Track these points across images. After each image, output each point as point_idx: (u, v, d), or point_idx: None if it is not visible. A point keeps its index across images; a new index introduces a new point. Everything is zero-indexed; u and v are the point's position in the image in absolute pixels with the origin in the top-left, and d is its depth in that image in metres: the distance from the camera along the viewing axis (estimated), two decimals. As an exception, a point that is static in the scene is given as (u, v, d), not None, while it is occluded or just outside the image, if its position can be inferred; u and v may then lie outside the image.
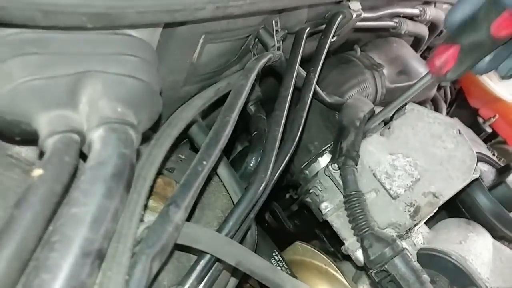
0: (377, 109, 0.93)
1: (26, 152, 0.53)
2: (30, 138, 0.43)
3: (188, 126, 0.64)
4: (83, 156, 0.43)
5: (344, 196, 0.70)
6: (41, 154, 0.40)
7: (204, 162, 0.51)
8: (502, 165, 1.06)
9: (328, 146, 0.86)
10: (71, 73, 0.41)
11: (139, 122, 0.47)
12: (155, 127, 0.62)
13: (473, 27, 0.60)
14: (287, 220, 1.09)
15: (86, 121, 0.42)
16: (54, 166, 0.38)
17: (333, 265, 0.87)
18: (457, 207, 0.95)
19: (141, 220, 0.46)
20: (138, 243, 0.44)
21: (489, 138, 1.76)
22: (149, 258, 0.42)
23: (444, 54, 0.64)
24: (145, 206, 0.59)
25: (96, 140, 0.41)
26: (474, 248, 0.79)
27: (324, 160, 0.86)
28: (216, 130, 0.55)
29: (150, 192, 0.61)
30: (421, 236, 0.82)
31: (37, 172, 0.37)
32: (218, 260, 0.54)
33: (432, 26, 1.38)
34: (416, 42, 1.37)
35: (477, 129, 1.58)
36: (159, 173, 0.65)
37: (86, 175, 0.39)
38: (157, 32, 0.53)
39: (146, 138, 0.59)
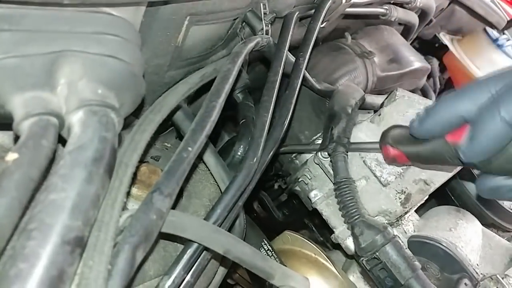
0: (368, 97, 0.93)
1: (2, 138, 0.51)
2: (4, 122, 0.40)
3: (173, 112, 0.62)
4: (63, 141, 0.41)
5: (334, 183, 0.69)
6: (17, 139, 0.38)
7: (189, 149, 0.49)
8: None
9: (318, 135, 0.85)
10: (47, 52, 0.39)
11: (121, 105, 0.45)
12: (138, 113, 0.60)
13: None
14: (275, 210, 1.08)
15: (65, 104, 0.40)
16: (30, 150, 0.36)
17: (323, 254, 0.86)
18: (447, 195, 0.95)
19: (125, 208, 0.44)
20: (121, 232, 0.42)
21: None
22: (132, 247, 0.40)
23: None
24: (129, 194, 0.57)
25: (76, 123, 0.39)
26: (464, 235, 0.78)
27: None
28: (202, 116, 0.53)
29: (134, 180, 0.60)
30: (411, 224, 0.81)
31: (12, 156, 0.35)
32: (206, 249, 0.53)
33: (422, 14, 1.37)
34: (406, 31, 1.36)
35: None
36: (142, 161, 0.63)
37: (65, 160, 0.37)
38: (139, 12, 0.51)
39: (129, 124, 0.57)
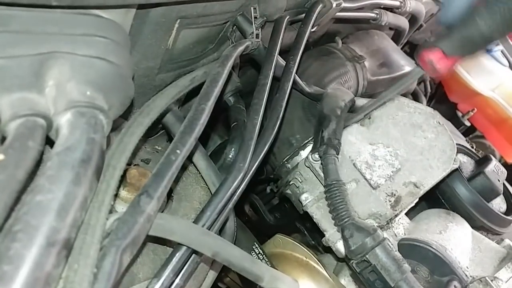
0: (359, 100, 0.93)
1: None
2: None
3: (163, 115, 0.62)
4: (51, 143, 0.41)
5: (324, 186, 0.69)
6: (3, 140, 0.38)
7: (178, 151, 0.49)
8: (481, 157, 1.07)
9: (310, 139, 0.85)
10: (35, 53, 0.39)
11: (110, 107, 0.45)
12: (127, 115, 0.60)
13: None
14: (267, 213, 1.07)
15: (53, 105, 0.40)
16: (16, 151, 0.35)
17: (314, 257, 0.86)
18: (437, 198, 0.95)
19: (113, 211, 0.44)
20: (108, 235, 0.41)
21: (468, 133, 1.78)
22: (119, 250, 0.39)
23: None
24: (117, 196, 0.57)
25: (64, 124, 0.39)
26: (454, 237, 0.79)
27: (306, 153, 0.85)
28: (191, 119, 0.53)
29: (124, 183, 0.60)
30: (402, 227, 0.82)
31: (-3, 157, 0.35)
32: (195, 252, 0.52)
33: (413, 19, 1.39)
34: (396, 35, 1.37)
35: (456, 123, 1.61)
36: (129, 163, 0.63)
37: (52, 161, 0.36)
38: (129, 15, 0.51)
39: (118, 126, 0.57)
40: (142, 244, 0.52)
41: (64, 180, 0.35)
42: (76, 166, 0.37)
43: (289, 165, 0.86)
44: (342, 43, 1.05)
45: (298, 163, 0.84)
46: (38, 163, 0.38)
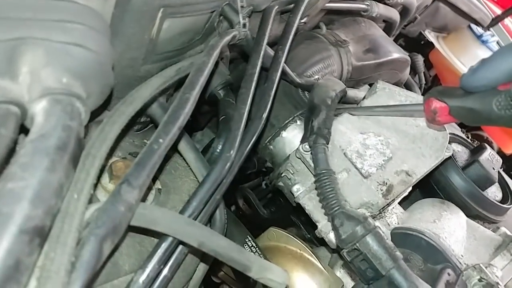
0: (350, 91, 0.92)
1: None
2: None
3: (148, 106, 0.61)
4: (27, 132, 0.40)
5: (314, 175, 0.69)
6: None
7: (161, 140, 0.48)
8: (475, 146, 1.06)
9: (291, 119, 0.85)
10: (8, 38, 0.38)
11: (89, 95, 0.44)
12: (109, 106, 0.59)
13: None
14: (261, 207, 1.07)
15: (27, 92, 0.39)
16: (-13, 139, 0.35)
17: (308, 250, 0.85)
18: (431, 187, 0.94)
19: (93, 202, 0.43)
20: (88, 225, 0.41)
21: (464, 125, 1.78)
22: (98, 239, 0.38)
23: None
24: (102, 189, 0.56)
25: (39, 112, 0.38)
26: (448, 226, 0.78)
27: (288, 133, 0.86)
28: (175, 108, 0.52)
29: (107, 175, 0.59)
30: (395, 217, 0.81)
31: (-32, 146, 0.34)
32: (182, 243, 0.52)
33: (404, 11, 1.38)
34: (388, 27, 1.36)
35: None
36: (112, 155, 0.61)
37: (26, 148, 0.36)
38: (109, 2, 0.50)
39: (99, 116, 0.56)
40: (126, 234, 0.52)
41: (38, 167, 0.35)
42: (51, 153, 0.36)
43: (271, 147, 0.86)
44: (327, 29, 1.04)
45: (289, 155, 0.83)
46: (12, 152, 0.37)
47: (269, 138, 0.88)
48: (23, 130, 0.40)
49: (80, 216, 0.39)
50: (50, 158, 0.36)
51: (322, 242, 0.97)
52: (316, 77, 0.91)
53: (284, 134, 0.87)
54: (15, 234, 0.31)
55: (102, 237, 0.39)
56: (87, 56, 0.43)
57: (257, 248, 0.83)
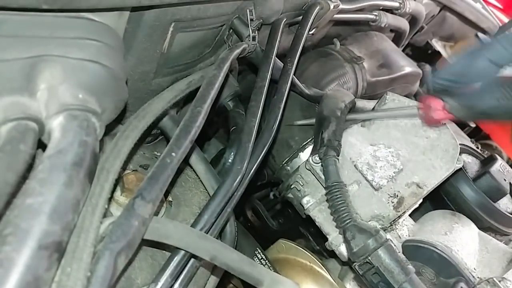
0: (359, 102, 0.92)
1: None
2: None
3: (159, 119, 0.62)
4: (45, 147, 0.40)
5: (325, 187, 0.68)
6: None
7: (173, 154, 0.49)
8: (486, 157, 1.05)
9: (309, 140, 0.85)
10: (26, 56, 0.39)
11: (104, 110, 0.45)
12: (122, 119, 0.59)
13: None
14: (270, 218, 1.06)
15: (45, 109, 0.40)
16: (7, 154, 0.35)
17: (318, 262, 0.85)
18: (442, 199, 0.93)
19: (106, 215, 0.43)
20: (103, 239, 0.41)
21: (474, 134, 1.76)
22: (113, 254, 0.39)
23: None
24: (113, 201, 0.57)
25: (56, 128, 0.39)
26: (460, 238, 0.77)
27: (306, 155, 0.84)
28: (187, 122, 0.53)
29: (119, 187, 0.59)
30: (406, 229, 0.80)
31: (-12, 162, 0.35)
32: (194, 256, 0.52)
33: (413, 20, 1.38)
34: (397, 37, 1.36)
35: (461, 124, 1.59)
36: (125, 168, 0.62)
37: (44, 164, 0.36)
38: (123, 18, 0.51)
39: (112, 130, 0.57)
40: (139, 248, 0.52)
41: (56, 183, 0.35)
42: (68, 168, 0.36)
43: (288, 168, 0.86)
44: (341, 44, 1.05)
45: (299, 166, 0.83)
46: (30, 167, 0.37)
47: (286, 160, 0.87)
48: (41, 145, 0.40)
49: (95, 231, 0.39)
50: (67, 174, 0.36)
51: (331, 254, 0.96)
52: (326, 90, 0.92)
53: (301, 155, 0.86)
54: (34, 249, 0.32)
55: (117, 252, 0.39)
56: (102, 72, 0.43)
57: (266, 261, 0.83)
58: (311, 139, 0.83)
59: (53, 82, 0.39)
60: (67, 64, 0.40)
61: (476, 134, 1.79)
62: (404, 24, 1.29)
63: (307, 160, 0.77)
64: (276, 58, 0.76)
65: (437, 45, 1.81)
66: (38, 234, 0.32)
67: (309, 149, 0.84)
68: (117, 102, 0.47)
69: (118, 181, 0.60)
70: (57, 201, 0.34)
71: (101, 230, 0.41)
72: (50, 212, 0.33)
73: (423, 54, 1.82)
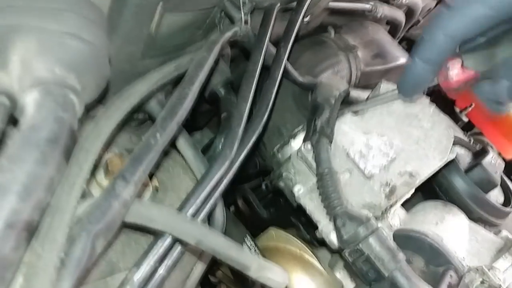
0: (353, 91, 0.91)
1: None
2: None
3: (145, 101, 0.60)
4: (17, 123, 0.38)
5: (316, 174, 0.67)
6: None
7: (158, 135, 0.47)
8: (478, 149, 1.05)
9: (300, 128, 0.83)
10: (-3, 26, 0.37)
11: (84, 88, 0.43)
12: (105, 101, 0.58)
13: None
14: (260, 207, 1.05)
15: (17, 82, 0.38)
16: (-25, 129, 0.33)
17: (308, 250, 0.84)
18: (434, 190, 0.92)
19: (84, 196, 0.41)
20: (81, 221, 0.39)
21: (466, 130, 1.76)
22: (90, 236, 0.37)
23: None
24: (90, 181, 0.55)
25: (30, 103, 0.37)
26: (451, 228, 0.76)
27: (297, 142, 0.83)
28: (173, 103, 0.51)
29: (96, 168, 0.57)
30: (397, 218, 0.79)
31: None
32: (179, 240, 0.50)
33: (409, 12, 1.37)
34: (393, 29, 1.35)
35: (454, 118, 1.58)
36: (105, 149, 0.60)
37: (14, 140, 0.34)
38: (106, -6, 0.49)
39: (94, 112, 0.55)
40: (121, 232, 0.51)
41: (27, 160, 0.33)
42: (41, 145, 0.34)
43: (279, 155, 0.84)
44: (335, 33, 1.03)
45: (290, 154, 0.82)
46: (0, 143, 0.36)
47: (277, 147, 0.85)
48: (14, 122, 0.38)
49: (71, 211, 0.37)
50: (40, 151, 0.34)
51: (322, 243, 0.95)
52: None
53: (293, 143, 0.84)
54: (0, 227, 0.30)
55: (94, 234, 0.38)
56: (82, 47, 0.41)
57: (256, 248, 0.82)
58: (303, 126, 0.82)
59: (27, 54, 0.37)
60: (43, 36, 0.38)
61: (468, 130, 1.79)
62: (400, 15, 1.28)
63: (299, 148, 0.75)
64: (269, 43, 0.74)
65: (433, 38, 1.79)
66: (5, 212, 0.30)
67: (300, 136, 0.83)
68: (99, 80, 0.45)
69: (102, 164, 0.59)
70: (28, 179, 0.32)
71: (79, 212, 0.40)
72: (19, 189, 0.31)
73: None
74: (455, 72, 0.61)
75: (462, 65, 0.60)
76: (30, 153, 0.34)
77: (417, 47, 0.60)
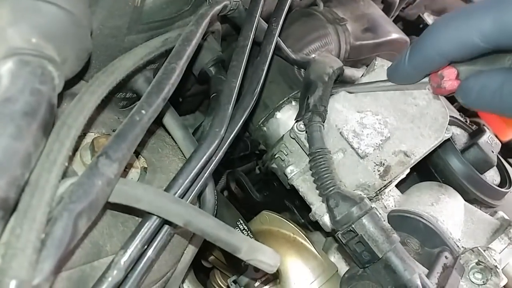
0: (348, 70, 0.89)
1: None
2: None
3: (131, 77, 0.57)
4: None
5: (309, 154, 0.65)
6: None
7: (143, 111, 0.45)
8: (475, 129, 1.04)
9: (285, 99, 0.81)
10: (-33, -7, 0.34)
11: (64, 60, 0.40)
12: (88, 76, 0.55)
13: None
14: (253, 190, 1.03)
15: (-10, 53, 0.35)
16: None
17: (302, 233, 0.82)
18: (429, 170, 0.91)
19: (67, 175, 0.39)
20: (62, 200, 0.37)
21: (461, 111, 1.75)
22: (72, 215, 0.35)
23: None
24: (72, 160, 0.53)
25: (4, 74, 0.34)
26: (446, 209, 0.75)
27: (282, 114, 0.82)
28: (160, 78, 0.49)
29: (92, 152, 0.55)
30: (392, 199, 0.78)
31: None
32: (168, 222, 0.48)
33: (403, -9, 1.34)
34: (386, 8, 1.32)
35: (449, 99, 1.57)
36: (89, 125, 0.57)
37: (-13, 113, 0.32)
38: (87, -38, 0.46)
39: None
40: (107, 213, 0.49)
41: (1, 134, 0.31)
42: (16, 118, 0.32)
43: (264, 128, 0.83)
44: (325, 6, 1.00)
45: (283, 135, 0.80)
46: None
47: (262, 120, 0.84)
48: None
49: (52, 189, 0.35)
50: (15, 124, 0.32)
51: (316, 226, 0.94)
52: (313, 55, 0.87)
53: (278, 115, 0.83)
54: (-28, 205, 0.28)
55: (77, 213, 0.36)
56: (60, 16, 0.39)
57: (248, 232, 0.81)
58: (288, 98, 0.80)
59: (1, 23, 0.35)
60: (17, 3, 0.36)
61: (465, 112, 1.78)
62: (394, -6, 1.25)
63: (292, 128, 0.74)
64: (261, 19, 0.72)
65: (429, 19, 1.77)
66: (-22, 189, 0.28)
67: (286, 108, 0.81)
68: (79, 52, 0.43)
69: (88, 144, 0.56)
70: (2, 154, 0.30)
71: (61, 191, 0.38)
72: (-8, 164, 0.29)
73: (415, 28, 1.78)
74: (449, 83, 0.60)
75: (457, 77, 0.59)
76: (4, 127, 0.31)
77: (410, 49, 0.61)
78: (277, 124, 0.84)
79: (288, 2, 0.73)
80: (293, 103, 0.83)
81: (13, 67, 0.34)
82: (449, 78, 0.59)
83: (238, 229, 0.81)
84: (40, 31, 0.37)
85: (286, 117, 0.83)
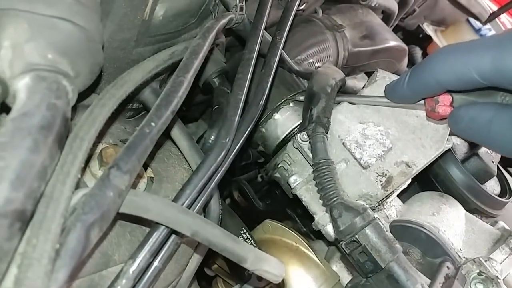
0: (350, 81, 0.90)
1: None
2: None
3: (139, 90, 0.59)
4: (9, 111, 0.37)
5: (312, 165, 0.66)
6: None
7: (153, 124, 0.46)
8: (474, 139, 1.05)
9: (283, 101, 0.83)
10: (-13, 10, 0.35)
11: (77, 74, 0.42)
12: (99, 89, 0.56)
13: None
14: (256, 199, 1.04)
15: (9, 68, 0.36)
16: (-34, 116, 0.32)
17: (304, 242, 0.83)
18: (430, 180, 0.92)
19: (79, 186, 0.40)
20: (75, 211, 0.38)
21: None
22: (85, 226, 0.36)
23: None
24: (84, 171, 0.54)
25: (21, 89, 0.36)
26: (447, 219, 0.76)
27: (280, 115, 0.84)
28: (168, 91, 0.50)
29: (90, 158, 0.56)
30: (394, 209, 0.79)
31: None
32: (175, 232, 0.49)
33: (403, 1, 1.36)
34: (385, 18, 1.34)
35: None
36: (100, 138, 0.59)
37: (6, 127, 0.33)
38: (99, -21, 0.47)
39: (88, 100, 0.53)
40: (116, 223, 0.50)
41: (20, 147, 0.32)
42: (34, 132, 0.33)
43: (263, 129, 0.84)
44: (324, 13, 1.02)
45: (286, 145, 0.81)
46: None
47: (261, 121, 0.85)
48: (5, 109, 0.37)
49: (66, 201, 0.36)
50: (32, 138, 0.33)
51: (318, 235, 0.95)
52: (311, 60, 0.89)
53: (276, 116, 0.85)
54: (-8, 217, 0.29)
55: (89, 224, 0.37)
56: (75, 32, 0.40)
57: (252, 241, 0.81)
58: (285, 100, 0.82)
59: (18, 40, 0.36)
60: (35, 20, 0.37)
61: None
62: (393, 4, 1.27)
63: (295, 138, 0.75)
64: (265, 31, 0.73)
65: (428, 29, 1.80)
66: (-3, 201, 0.29)
67: (284, 109, 0.83)
68: (92, 66, 0.44)
69: (96, 154, 0.57)
70: (21, 167, 0.31)
71: (74, 202, 0.39)
72: (12, 178, 0.30)
73: (414, 38, 1.80)
74: (443, 108, 0.62)
75: (451, 104, 0.61)
76: (22, 141, 0.32)
77: (410, 73, 0.63)
78: (275, 125, 0.85)
79: (292, 15, 0.75)
80: (291, 104, 0.85)
81: (30, 83, 0.36)
82: (444, 104, 0.61)
83: (241, 238, 0.82)
84: (56, 47, 0.38)
85: (284, 118, 0.85)
